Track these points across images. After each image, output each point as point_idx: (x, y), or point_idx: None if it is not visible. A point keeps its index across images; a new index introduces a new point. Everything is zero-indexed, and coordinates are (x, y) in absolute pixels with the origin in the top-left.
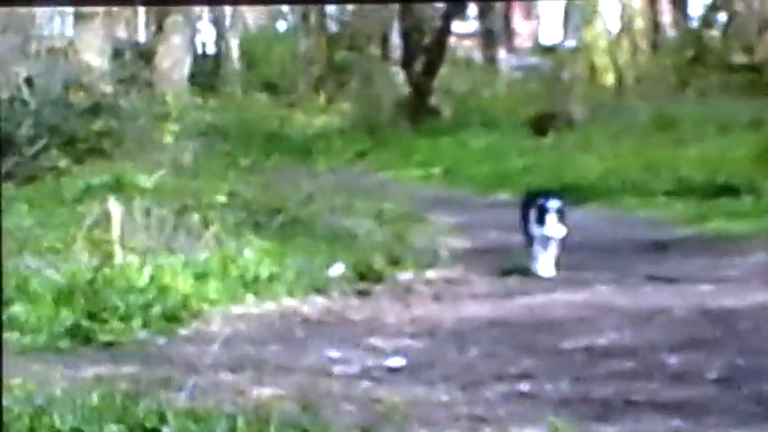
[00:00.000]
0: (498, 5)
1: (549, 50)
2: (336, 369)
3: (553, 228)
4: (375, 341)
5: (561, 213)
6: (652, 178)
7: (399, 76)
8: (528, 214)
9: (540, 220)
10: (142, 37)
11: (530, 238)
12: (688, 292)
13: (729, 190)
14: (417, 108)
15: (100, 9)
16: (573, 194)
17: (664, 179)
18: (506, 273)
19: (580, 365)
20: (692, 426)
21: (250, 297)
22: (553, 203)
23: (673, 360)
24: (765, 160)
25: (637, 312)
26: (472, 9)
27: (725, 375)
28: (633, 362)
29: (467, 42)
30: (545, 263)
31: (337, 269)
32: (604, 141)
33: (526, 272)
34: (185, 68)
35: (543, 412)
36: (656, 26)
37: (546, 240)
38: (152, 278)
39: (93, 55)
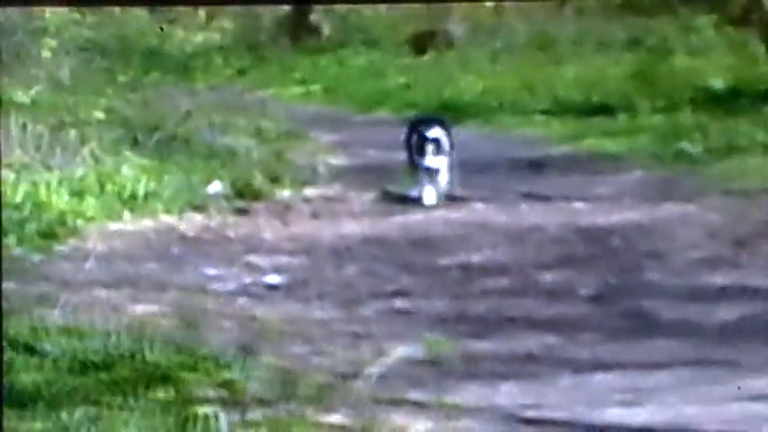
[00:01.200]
0: None
1: None
2: (213, 286)
3: (431, 159)
4: (253, 258)
5: (439, 143)
6: (530, 97)
7: None
8: (411, 142)
9: (420, 151)
10: None
11: (414, 166)
12: (562, 210)
13: (605, 109)
14: (298, 25)
15: None
16: (451, 113)
17: (541, 98)
18: (384, 191)
19: (456, 283)
20: (565, 341)
21: (127, 214)
22: (433, 132)
23: (547, 277)
24: (641, 79)
25: (512, 230)
26: None
27: (597, 292)
28: (508, 279)
29: None
30: (428, 192)
31: (215, 186)
32: (483, 60)
33: (406, 198)
34: None
35: (419, 329)
36: None
37: (426, 170)
38: (27, 195)
39: None
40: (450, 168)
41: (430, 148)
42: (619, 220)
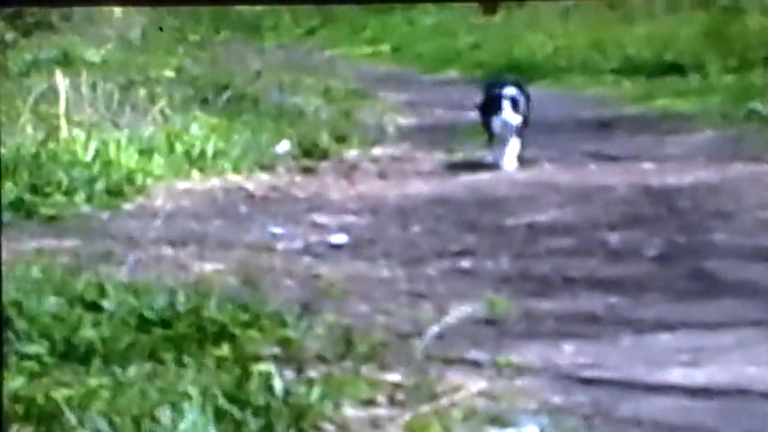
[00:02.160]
0: None
1: None
2: (279, 245)
3: (509, 114)
4: (319, 218)
5: (516, 101)
6: (600, 57)
7: None
8: (487, 103)
9: (497, 109)
10: None
11: (491, 132)
12: (631, 170)
13: (676, 68)
14: None
15: None
16: (521, 73)
17: (611, 57)
18: (452, 151)
19: (521, 243)
20: (629, 302)
21: (195, 173)
22: (509, 91)
23: (612, 238)
24: (713, 39)
25: (579, 190)
26: None
27: (663, 252)
28: (573, 239)
29: None
30: (507, 156)
31: (283, 146)
32: (553, 19)
33: (482, 164)
34: None
35: (482, 289)
36: None
37: (504, 128)
38: (97, 153)
39: None
40: (521, 132)
41: (507, 104)
42: (688, 181)
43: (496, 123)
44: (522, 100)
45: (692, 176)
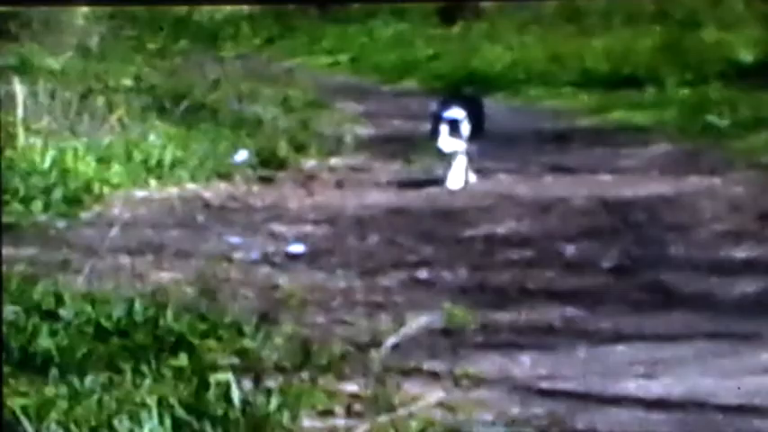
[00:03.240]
0: None
1: None
2: (236, 255)
3: (445, 140)
4: (276, 227)
5: (456, 125)
6: (557, 69)
7: None
8: (431, 123)
9: (434, 131)
10: None
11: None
12: (587, 182)
13: (633, 81)
14: None
15: None
16: (478, 84)
17: (569, 70)
18: (410, 162)
19: (478, 254)
20: (586, 313)
21: (153, 181)
22: (451, 113)
23: (569, 249)
24: (670, 52)
25: (536, 202)
26: None
27: (620, 264)
28: (531, 251)
29: None
30: (452, 173)
31: (241, 155)
32: (511, 31)
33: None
34: None
35: (440, 300)
36: None
37: (439, 152)
38: (54, 161)
39: None
40: (470, 153)
41: (445, 129)
42: (644, 193)
43: (435, 144)
44: (465, 121)
45: (648, 189)
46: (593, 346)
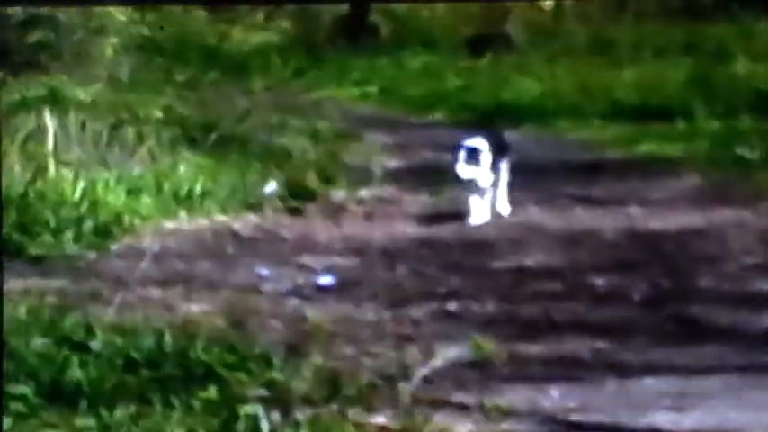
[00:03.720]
0: None
1: None
2: (266, 286)
3: (463, 167)
4: (305, 259)
5: (475, 153)
6: (587, 101)
7: None
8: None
9: (455, 159)
10: None
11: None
12: (617, 215)
13: (663, 113)
14: (356, 27)
15: None
16: (508, 116)
17: (598, 102)
18: (439, 193)
19: (507, 286)
20: (615, 346)
21: (182, 213)
22: (472, 141)
23: (599, 281)
24: (700, 84)
25: (566, 234)
26: None
27: (649, 297)
28: (560, 283)
29: None
30: (474, 208)
31: (270, 187)
32: (541, 63)
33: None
34: None
35: (468, 331)
36: None
37: (469, 183)
38: (85, 192)
39: None
40: (495, 184)
41: (462, 156)
42: (673, 225)
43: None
44: (485, 152)
45: (677, 221)
46: (622, 379)
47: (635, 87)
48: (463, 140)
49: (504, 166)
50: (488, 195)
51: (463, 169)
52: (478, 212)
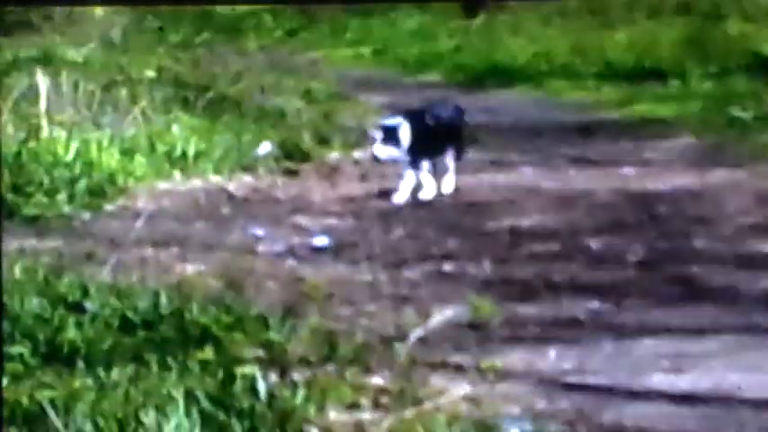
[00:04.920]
0: None
1: None
2: (261, 247)
3: (379, 148)
4: (301, 220)
5: (394, 133)
6: (581, 61)
7: None
8: None
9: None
10: None
11: None
12: (611, 176)
13: (657, 74)
14: None
15: None
16: (501, 77)
17: (592, 62)
18: None
19: (503, 247)
20: (612, 307)
21: (177, 174)
22: (389, 121)
23: (594, 243)
24: (693, 45)
25: (561, 195)
26: None
27: (645, 258)
28: (556, 244)
29: None
30: (402, 187)
31: (265, 147)
32: (534, 24)
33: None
34: None
35: (465, 293)
36: None
37: (378, 160)
38: (78, 153)
39: None
40: (416, 165)
41: (378, 135)
42: (668, 186)
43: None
44: (404, 131)
45: (672, 182)
46: (619, 340)
47: (629, 48)
48: (383, 121)
49: (451, 153)
50: (411, 174)
51: (379, 149)
52: (402, 191)
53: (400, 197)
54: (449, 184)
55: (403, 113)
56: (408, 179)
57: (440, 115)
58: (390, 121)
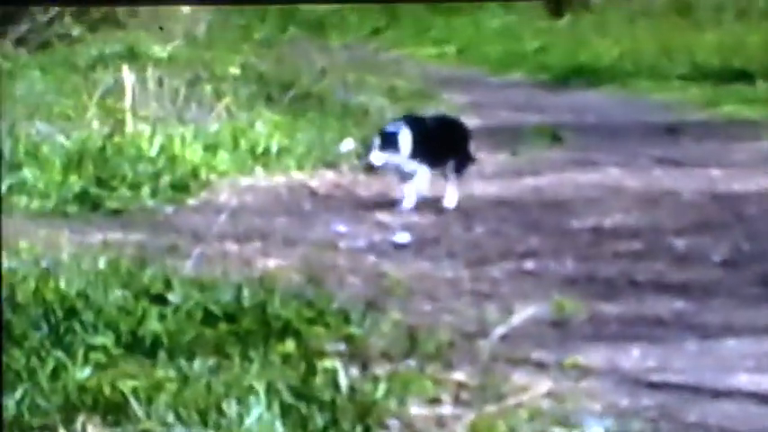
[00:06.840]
0: None
1: None
2: (342, 243)
3: (375, 154)
4: (382, 216)
5: (393, 139)
6: (667, 62)
7: None
8: None
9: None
10: None
11: None
12: (697, 176)
13: (744, 75)
14: None
15: None
16: (587, 77)
17: (679, 63)
18: (516, 152)
19: (586, 245)
20: (696, 307)
21: (259, 169)
22: (393, 127)
23: (679, 242)
24: None
25: (645, 195)
26: None
27: (730, 258)
28: (639, 243)
29: None
30: (407, 194)
31: (347, 144)
32: (620, 24)
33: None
34: None
35: (548, 290)
36: None
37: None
38: (162, 147)
39: None
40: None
41: (376, 142)
42: (755, 187)
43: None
44: (403, 136)
45: (758, 183)
46: (703, 340)
47: (716, 49)
48: (385, 127)
49: (451, 164)
50: (417, 180)
51: (376, 156)
52: (408, 198)
53: (407, 202)
54: (451, 197)
55: (404, 119)
56: (413, 185)
57: (441, 125)
58: (391, 128)
